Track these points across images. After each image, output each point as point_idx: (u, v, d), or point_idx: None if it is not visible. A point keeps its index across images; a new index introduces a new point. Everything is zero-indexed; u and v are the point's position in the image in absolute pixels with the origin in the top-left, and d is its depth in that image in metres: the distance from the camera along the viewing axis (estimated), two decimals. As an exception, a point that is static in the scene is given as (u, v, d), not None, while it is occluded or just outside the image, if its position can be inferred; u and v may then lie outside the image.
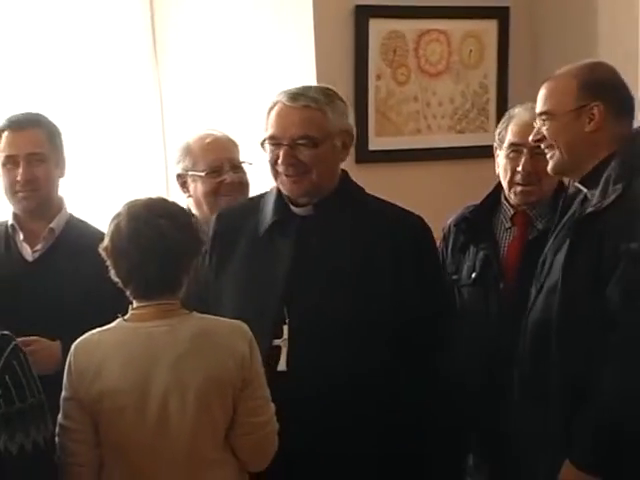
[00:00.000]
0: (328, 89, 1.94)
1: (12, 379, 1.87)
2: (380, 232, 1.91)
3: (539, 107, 1.83)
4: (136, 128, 2.73)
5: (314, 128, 1.97)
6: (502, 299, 2.04)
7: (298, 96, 2.01)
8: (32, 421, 1.85)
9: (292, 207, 2.05)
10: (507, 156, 2.02)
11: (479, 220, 2.10)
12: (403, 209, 1.94)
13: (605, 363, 1.75)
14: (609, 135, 1.79)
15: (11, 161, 2.08)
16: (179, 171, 2.17)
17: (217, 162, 2.13)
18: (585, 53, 2.23)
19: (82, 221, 2.25)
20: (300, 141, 1.97)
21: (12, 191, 2.13)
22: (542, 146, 1.85)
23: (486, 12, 2.35)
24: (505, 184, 2.03)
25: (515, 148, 2.01)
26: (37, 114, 2.19)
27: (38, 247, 2.28)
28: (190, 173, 2.14)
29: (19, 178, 2.08)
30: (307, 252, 1.96)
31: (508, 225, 2.07)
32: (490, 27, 2.37)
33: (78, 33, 2.62)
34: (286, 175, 1.99)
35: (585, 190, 1.84)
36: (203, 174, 2.12)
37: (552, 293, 1.85)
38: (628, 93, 1.85)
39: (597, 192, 1.80)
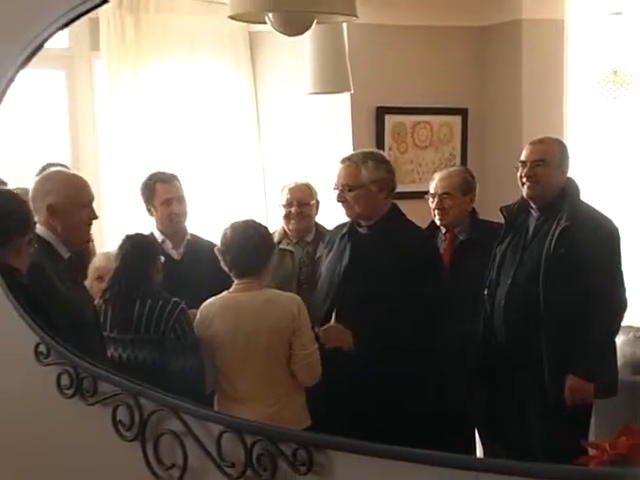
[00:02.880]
0: (368, 153, 2.66)
1: (181, 328, 2.66)
2: (400, 244, 2.55)
3: (534, 156, 2.33)
4: (240, 177, 3.06)
5: (350, 179, 2.62)
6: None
7: (345, 159, 2.64)
8: (190, 352, 2.64)
9: (357, 227, 2.66)
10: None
11: (430, 233, 2.65)
12: (415, 229, 2.62)
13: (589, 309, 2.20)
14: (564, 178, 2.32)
15: (167, 202, 2.83)
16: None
17: (290, 199, 2.85)
18: (513, 136, 2.66)
19: (193, 234, 2.95)
20: (343, 187, 2.63)
21: (169, 220, 2.87)
22: (529, 181, 2.34)
23: (454, 111, 2.84)
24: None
25: (432, 195, 2.60)
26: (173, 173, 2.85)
27: (180, 250, 2.94)
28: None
29: (175, 212, 2.85)
30: (359, 258, 2.61)
31: (443, 238, 2.62)
32: (456, 120, 2.84)
33: (198, 107, 3.00)
34: (343, 207, 2.62)
35: (534, 212, 2.35)
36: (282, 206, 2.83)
37: (533, 277, 2.30)
38: None
39: (564, 213, 2.28)
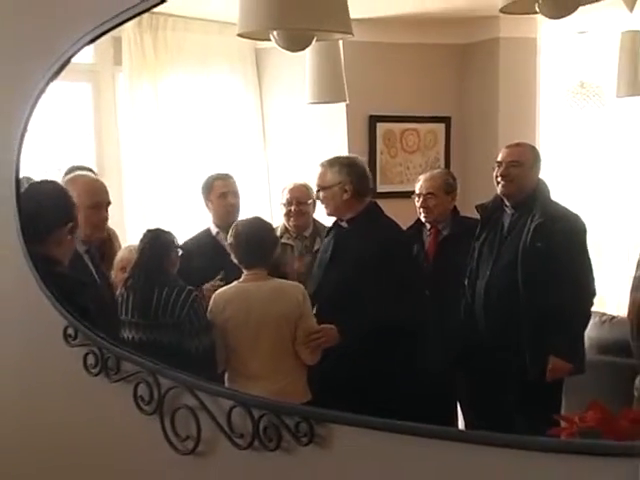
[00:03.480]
0: (336, 157, 2.65)
1: (194, 313, 2.67)
2: (374, 237, 2.58)
3: (509, 157, 2.34)
4: (247, 179, 2.97)
5: (319, 180, 2.64)
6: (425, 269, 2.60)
7: (320, 163, 2.64)
8: (202, 334, 2.65)
9: (339, 221, 2.66)
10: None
11: (417, 229, 2.64)
12: (390, 224, 2.58)
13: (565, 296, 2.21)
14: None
15: (224, 195, 2.82)
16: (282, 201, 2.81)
17: (290, 199, 2.84)
18: (490, 142, 2.62)
19: None
20: (317, 188, 2.66)
21: (225, 211, 2.85)
22: (503, 180, 2.36)
23: (438, 119, 2.80)
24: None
25: (418, 195, 2.60)
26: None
27: None
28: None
29: (231, 202, 2.82)
30: (340, 249, 2.63)
31: (428, 233, 2.62)
32: (440, 127, 2.81)
33: (210, 116, 2.94)
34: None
35: (509, 210, 2.36)
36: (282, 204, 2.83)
37: (512, 268, 2.31)
38: None
39: (537, 211, 2.29)
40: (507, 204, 2.38)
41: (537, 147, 2.42)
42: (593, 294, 2.25)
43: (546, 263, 2.27)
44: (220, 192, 2.81)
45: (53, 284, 2.60)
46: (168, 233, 2.77)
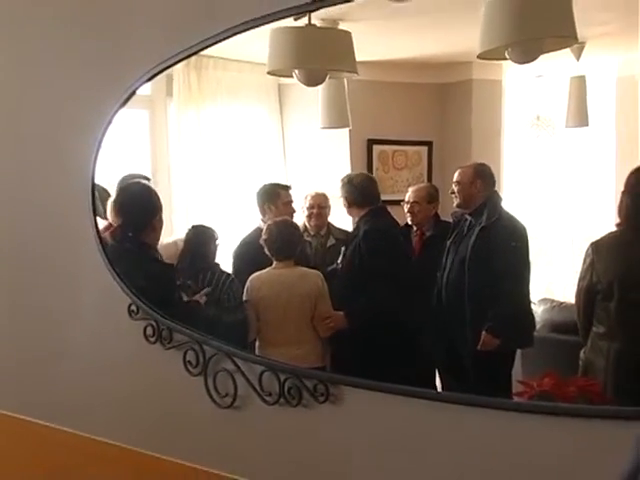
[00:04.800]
0: (343, 177, 2.63)
1: (231, 292, 2.66)
2: (371, 231, 2.54)
3: (454, 178, 2.33)
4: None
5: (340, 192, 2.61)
6: (412, 263, 2.58)
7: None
8: (237, 310, 2.64)
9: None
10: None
11: (407, 231, 2.57)
12: (387, 222, 2.56)
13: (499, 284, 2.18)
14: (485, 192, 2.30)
15: (289, 203, 2.75)
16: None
17: (312, 204, 2.79)
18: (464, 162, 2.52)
19: None
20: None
21: (288, 215, 2.75)
22: (452, 194, 2.34)
23: (422, 143, 2.71)
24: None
25: (406, 203, 2.55)
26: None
27: None
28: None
29: (291, 211, 2.76)
30: (350, 244, 2.60)
31: (415, 234, 2.58)
32: (424, 149, 2.72)
33: (241, 138, 2.89)
34: None
35: (468, 217, 2.32)
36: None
37: (463, 262, 2.31)
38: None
39: (484, 217, 2.27)
40: (465, 212, 2.37)
41: (482, 167, 2.38)
42: (524, 284, 2.22)
43: (484, 258, 2.26)
44: (287, 200, 2.77)
45: (152, 267, 2.64)
46: (209, 228, 2.75)
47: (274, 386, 2.31)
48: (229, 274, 2.63)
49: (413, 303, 2.41)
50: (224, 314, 2.61)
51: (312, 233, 2.85)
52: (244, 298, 2.58)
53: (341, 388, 2.20)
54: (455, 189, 2.33)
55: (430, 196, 2.62)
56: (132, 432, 2.69)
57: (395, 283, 2.43)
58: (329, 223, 2.87)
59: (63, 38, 2.66)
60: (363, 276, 2.49)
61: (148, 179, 2.75)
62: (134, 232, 2.58)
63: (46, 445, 2.88)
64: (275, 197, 2.83)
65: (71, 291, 2.80)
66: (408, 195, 2.59)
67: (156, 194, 2.62)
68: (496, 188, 2.31)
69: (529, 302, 2.23)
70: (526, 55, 2.11)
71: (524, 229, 2.21)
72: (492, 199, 2.30)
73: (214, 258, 2.72)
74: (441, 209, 2.59)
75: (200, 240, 2.72)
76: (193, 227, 2.75)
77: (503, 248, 2.24)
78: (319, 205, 2.78)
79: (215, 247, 2.72)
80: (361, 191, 2.59)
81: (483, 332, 2.19)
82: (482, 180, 2.31)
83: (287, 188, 2.75)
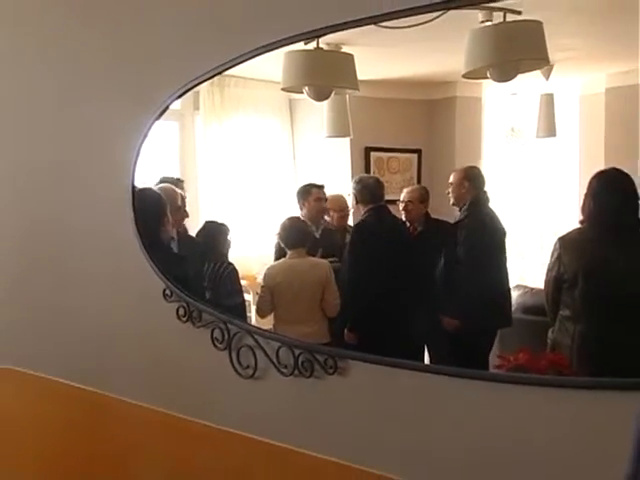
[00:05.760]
0: (355, 178, 2.57)
1: (230, 279, 2.64)
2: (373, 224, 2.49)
3: (449, 179, 2.29)
4: (282, 194, 2.82)
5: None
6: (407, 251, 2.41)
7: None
8: (235, 295, 2.62)
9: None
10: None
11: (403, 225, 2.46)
12: (391, 217, 2.51)
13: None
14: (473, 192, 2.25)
15: (320, 200, 2.64)
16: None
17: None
18: (448, 168, 2.51)
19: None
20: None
21: (316, 212, 2.69)
22: (448, 194, 2.28)
23: (413, 151, 2.67)
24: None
25: (401, 202, 2.50)
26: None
27: (318, 232, 2.69)
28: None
29: (323, 207, 2.66)
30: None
31: (409, 229, 2.52)
32: (414, 156, 2.69)
33: (257, 147, 2.85)
34: None
35: (458, 213, 2.28)
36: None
37: (440, 252, 2.28)
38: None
39: (468, 214, 2.27)
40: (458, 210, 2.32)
41: (472, 170, 2.36)
42: (487, 272, 2.20)
43: (458, 249, 2.26)
44: (317, 197, 2.67)
45: (160, 258, 2.59)
46: (222, 224, 2.68)
47: (289, 359, 2.30)
48: (230, 264, 2.59)
49: (407, 288, 2.39)
50: (226, 299, 2.58)
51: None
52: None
53: (347, 362, 2.20)
54: (450, 189, 2.30)
55: (422, 196, 2.60)
56: (166, 397, 2.69)
57: (393, 268, 2.42)
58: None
59: (110, 63, 2.70)
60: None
61: (181, 181, 2.71)
62: (151, 230, 2.58)
63: (83, 406, 2.91)
64: (307, 194, 2.77)
65: (114, 278, 2.80)
66: (403, 195, 2.55)
67: (162, 199, 2.58)
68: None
69: (508, 289, 2.19)
70: (505, 75, 2.10)
71: (498, 226, 2.18)
72: (480, 198, 2.27)
73: (223, 250, 2.65)
74: (431, 208, 2.61)
75: (210, 233, 2.65)
76: (206, 222, 2.69)
77: (473, 241, 2.23)
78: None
79: (225, 241, 2.65)
80: (370, 191, 2.56)
81: (441, 314, 2.21)
82: (469, 182, 2.28)
83: (318, 187, 2.68)
